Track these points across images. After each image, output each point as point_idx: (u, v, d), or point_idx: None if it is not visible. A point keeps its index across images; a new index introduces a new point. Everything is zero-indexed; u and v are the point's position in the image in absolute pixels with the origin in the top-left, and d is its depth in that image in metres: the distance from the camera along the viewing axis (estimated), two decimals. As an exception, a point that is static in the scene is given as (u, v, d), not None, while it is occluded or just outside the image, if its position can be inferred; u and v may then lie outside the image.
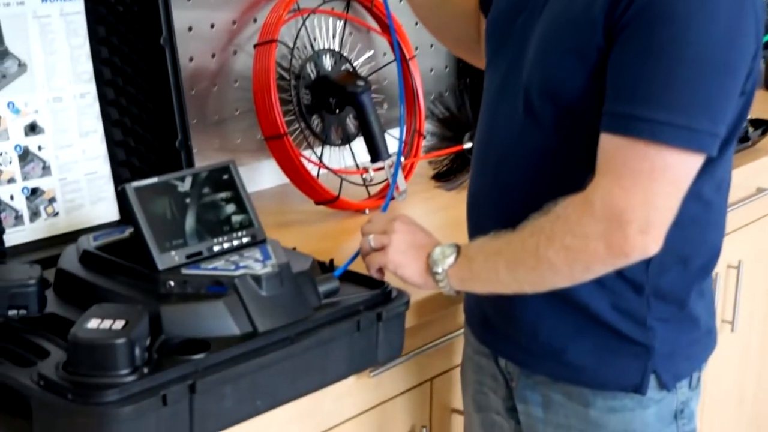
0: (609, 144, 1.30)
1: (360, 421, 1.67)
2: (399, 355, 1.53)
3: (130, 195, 1.40)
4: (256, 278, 1.36)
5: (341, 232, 2.00)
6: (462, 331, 1.77)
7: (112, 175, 1.72)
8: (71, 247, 1.51)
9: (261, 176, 2.20)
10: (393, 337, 1.48)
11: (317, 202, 2.06)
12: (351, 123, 2.16)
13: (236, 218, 1.48)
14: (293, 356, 1.35)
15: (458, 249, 1.43)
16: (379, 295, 1.48)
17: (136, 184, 1.41)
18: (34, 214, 1.64)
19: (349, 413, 1.65)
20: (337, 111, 2.12)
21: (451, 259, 1.42)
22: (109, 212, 1.71)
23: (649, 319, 1.43)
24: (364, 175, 2.11)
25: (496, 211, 1.48)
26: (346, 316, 1.43)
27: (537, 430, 1.53)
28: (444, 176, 2.31)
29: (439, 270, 1.43)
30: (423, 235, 1.49)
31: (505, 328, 1.51)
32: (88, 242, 1.48)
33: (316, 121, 2.11)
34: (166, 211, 1.42)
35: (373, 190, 2.15)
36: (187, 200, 1.45)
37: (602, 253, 1.30)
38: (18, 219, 1.62)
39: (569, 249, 1.31)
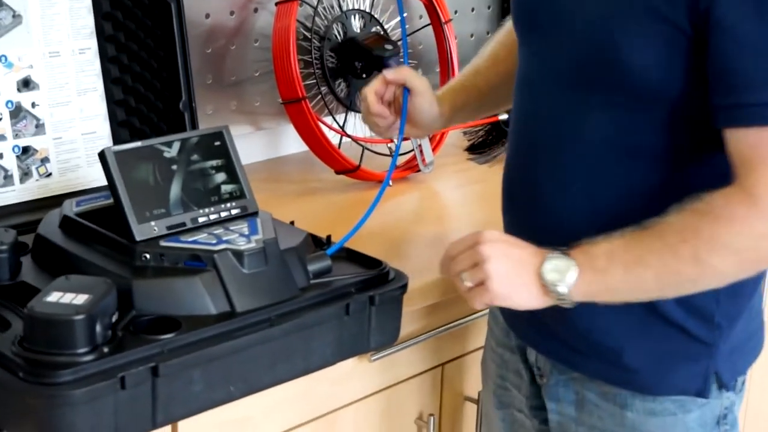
0: (746, 138, 1.17)
1: (360, 407, 1.58)
2: (393, 342, 1.43)
3: (110, 159, 1.31)
4: (238, 254, 1.27)
5: (361, 204, 1.89)
6: (482, 313, 1.68)
7: (111, 135, 1.64)
8: (54, 211, 1.43)
9: (282, 142, 2.11)
10: (387, 323, 1.38)
11: (337, 172, 1.97)
12: (378, 89, 2.05)
13: (226, 188, 1.39)
14: (272, 340, 1.26)
15: (572, 258, 1.23)
16: (374, 277, 1.38)
17: (116, 147, 1.33)
18: (25, 174, 1.56)
19: (349, 398, 1.56)
20: (364, 76, 2.02)
21: (573, 275, 1.21)
22: (107, 174, 1.63)
23: (717, 317, 1.31)
24: (389, 145, 2.01)
25: (534, 195, 1.35)
26: (335, 299, 1.33)
27: (569, 430, 1.42)
28: (477, 148, 2.20)
29: (564, 290, 1.22)
30: (519, 250, 1.26)
31: (551, 323, 1.36)
32: (71, 207, 1.41)
33: (340, 85, 2.02)
34: (149, 178, 1.34)
35: (399, 160, 2.05)
36: (174, 167, 1.36)
37: None
38: (7, 179, 1.54)
39: (739, 252, 1.18)
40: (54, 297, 1.16)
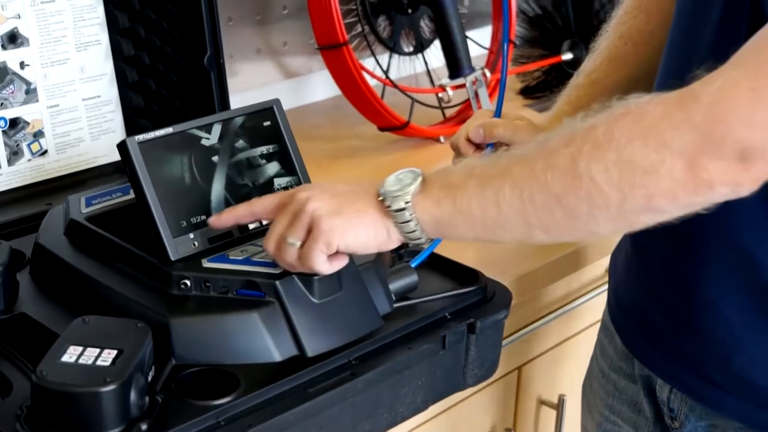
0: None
1: (426, 429, 1.31)
2: (491, 376, 1.12)
3: (133, 152, 1.00)
4: (306, 279, 0.97)
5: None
6: (563, 309, 1.45)
7: (120, 100, 1.32)
8: (57, 210, 1.12)
9: (312, 88, 1.81)
10: (486, 354, 1.09)
11: (382, 128, 1.66)
12: (426, 26, 1.74)
13: (280, 182, 1.08)
14: (355, 394, 0.96)
15: (419, 174, 0.93)
16: (470, 294, 1.08)
17: (142, 136, 1.01)
18: (14, 154, 1.25)
19: (414, 422, 1.28)
20: (410, 11, 1.72)
21: (413, 188, 0.91)
22: (116, 149, 1.30)
23: None
24: (440, 94, 1.70)
25: None
26: (428, 329, 1.03)
27: None
28: (535, 92, 1.89)
29: (401, 204, 0.91)
30: (350, 186, 0.96)
31: (681, 344, 1.06)
32: (78, 208, 1.09)
33: (383, 24, 1.70)
34: (184, 175, 1.02)
35: (450, 112, 1.75)
36: (215, 158, 1.05)
37: (676, 176, 0.81)
38: (-9, 160, 1.23)
39: (628, 164, 0.82)
40: (71, 356, 0.86)
